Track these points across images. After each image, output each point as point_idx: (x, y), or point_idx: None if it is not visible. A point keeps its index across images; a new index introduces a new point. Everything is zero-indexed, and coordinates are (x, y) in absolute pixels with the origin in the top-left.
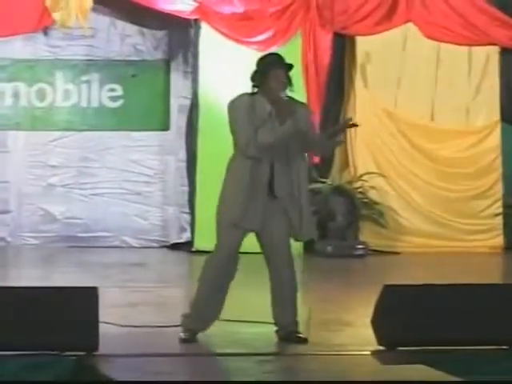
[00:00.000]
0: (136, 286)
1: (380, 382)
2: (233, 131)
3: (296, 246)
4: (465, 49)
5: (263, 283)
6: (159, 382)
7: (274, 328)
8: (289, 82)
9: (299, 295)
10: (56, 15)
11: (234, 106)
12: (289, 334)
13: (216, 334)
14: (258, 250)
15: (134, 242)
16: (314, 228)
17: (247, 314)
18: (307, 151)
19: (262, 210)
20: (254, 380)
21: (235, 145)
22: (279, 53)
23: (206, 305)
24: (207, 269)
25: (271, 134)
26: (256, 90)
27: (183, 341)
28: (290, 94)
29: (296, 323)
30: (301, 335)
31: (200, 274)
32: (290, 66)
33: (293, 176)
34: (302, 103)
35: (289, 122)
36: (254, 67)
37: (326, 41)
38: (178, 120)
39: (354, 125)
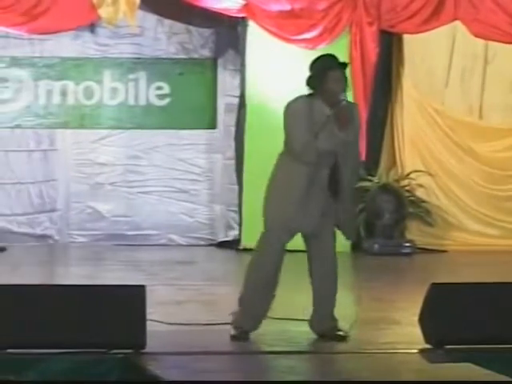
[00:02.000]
0: (183, 283)
1: (427, 380)
2: (288, 135)
3: (344, 244)
4: None
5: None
6: (206, 381)
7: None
8: (346, 82)
9: (347, 293)
10: (102, 12)
11: (291, 109)
12: (329, 331)
13: (265, 332)
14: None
15: (181, 240)
16: (353, 231)
17: (297, 312)
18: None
19: (320, 212)
20: (302, 379)
21: (288, 148)
22: (330, 52)
23: (254, 304)
24: (254, 271)
25: (331, 140)
26: (312, 92)
27: (234, 338)
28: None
29: (335, 320)
30: (341, 333)
31: (246, 274)
32: (346, 65)
33: (343, 177)
34: (354, 104)
35: (350, 128)
36: (301, 65)
37: (372, 39)
38: (225, 118)
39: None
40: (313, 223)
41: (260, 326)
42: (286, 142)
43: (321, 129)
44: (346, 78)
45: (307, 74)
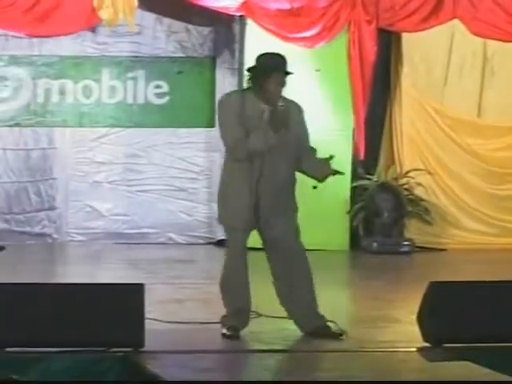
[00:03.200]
0: (183, 282)
1: (425, 379)
2: (221, 131)
3: (341, 243)
4: None
5: (317, 281)
6: (205, 380)
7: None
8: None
9: (347, 292)
10: (102, 14)
11: (222, 105)
12: (318, 329)
13: (263, 331)
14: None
15: (179, 239)
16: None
17: None
18: (298, 165)
19: (262, 206)
20: (301, 379)
21: (225, 145)
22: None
23: (234, 300)
24: (225, 268)
25: (263, 141)
26: (250, 86)
27: (225, 336)
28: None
29: (321, 317)
30: (335, 330)
31: (222, 272)
32: (289, 73)
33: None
34: (295, 103)
35: (283, 132)
36: (299, 64)
37: (371, 37)
38: None
39: (339, 172)
40: (250, 220)
41: (248, 322)
42: (222, 140)
43: (252, 128)
44: (285, 83)
45: (304, 72)
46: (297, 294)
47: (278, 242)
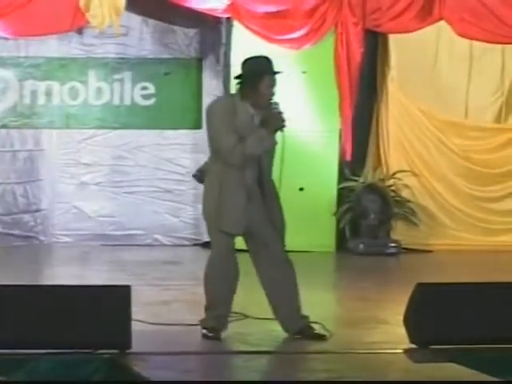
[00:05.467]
0: (169, 284)
1: (412, 380)
2: (212, 138)
3: (328, 244)
4: (498, 46)
5: (304, 283)
6: (191, 381)
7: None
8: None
9: (333, 293)
10: (89, 16)
11: (213, 111)
12: (302, 330)
13: (250, 333)
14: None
15: (165, 240)
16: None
17: None
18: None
19: (248, 214)
20: (288, 379)
21: (214, 150)
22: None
23: (216, 302)
24: (210, 268)
25: (260, 145)
26: (239, 92)
27: (205, 337)
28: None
29: (305, 318)
30: (317, 331)
31: (204, 274)
32: (278, 73)
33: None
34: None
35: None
36: (286, 65)
37: (358, 39)
38: None
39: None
40: (240, 225)
41: (227, 323)
42: (211, 145)
43: (247, 133)
44: (276, 83)
45: (291, 74)
46: (282, 296)
47: (265, 243)
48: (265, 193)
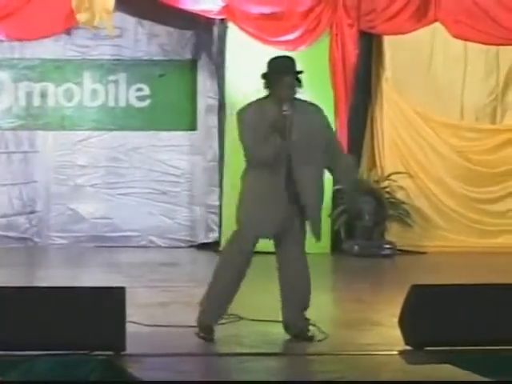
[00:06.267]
0: (165, 285)
1: (407, 381)
2: (242, 145)
3: (323, 246)
4: (493, 48)
5: None
6: (187, 381)
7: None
8: (299, 85)
9: (329, 295)
10: (80, 16)
11: (241, 117)
12: (301, 332)
13: (246, 334)
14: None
15: (161, 242)
16: (319, 229)
17: (277, 314)
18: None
19: (280, 217)
20: (283, 380)
21: (245, 156)
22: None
23: (220, 300)
24: (224, 268)
25: (269, 150)
26: (268, 92)
27: (199, 336)
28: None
29: (306, 320)
30: (313, 333)
31: (215, 271)
32: (300, 72)
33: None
34: (311, 104)
35: (295, 135)
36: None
37: (353, 40)
38: (205, 120)
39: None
40: (275, 226)
41: (219, 320)
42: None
43: (282, 129)
44: (299, 82)
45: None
46: (296, 298)
47: (289, 251)
48: (297, 189)
